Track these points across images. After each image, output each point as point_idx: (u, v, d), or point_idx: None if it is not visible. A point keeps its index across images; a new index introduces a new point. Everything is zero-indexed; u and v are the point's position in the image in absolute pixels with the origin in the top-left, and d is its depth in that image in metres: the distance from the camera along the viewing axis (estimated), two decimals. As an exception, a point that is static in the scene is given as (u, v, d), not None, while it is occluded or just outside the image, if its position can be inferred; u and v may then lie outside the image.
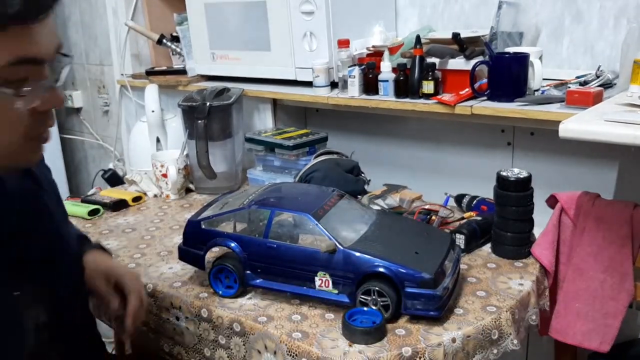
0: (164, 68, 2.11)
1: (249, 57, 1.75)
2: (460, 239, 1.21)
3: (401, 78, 1.46)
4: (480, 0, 1.59)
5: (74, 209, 1.56)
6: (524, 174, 1.18)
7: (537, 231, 1.23)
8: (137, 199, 1.65)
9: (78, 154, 2.73)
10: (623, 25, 1.38)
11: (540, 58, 1.36)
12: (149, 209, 1.61)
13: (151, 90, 1.83)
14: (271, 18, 1.65)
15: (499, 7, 1.46)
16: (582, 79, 1.34)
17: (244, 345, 1.02)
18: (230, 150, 1.69)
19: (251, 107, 1.84)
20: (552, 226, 1.22)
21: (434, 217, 1.31)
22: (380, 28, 1.63)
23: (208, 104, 1.62)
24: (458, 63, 1.43)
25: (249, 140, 1.67)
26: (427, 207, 1.35)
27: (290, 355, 0.95)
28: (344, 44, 1.55)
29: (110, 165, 2.36)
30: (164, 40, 2.05)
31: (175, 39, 2.05)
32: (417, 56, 1.43)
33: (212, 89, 1.69)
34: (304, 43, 1.61)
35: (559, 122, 1.01)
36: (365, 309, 0.97)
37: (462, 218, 1.33)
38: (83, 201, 1.64)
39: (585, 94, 1.20)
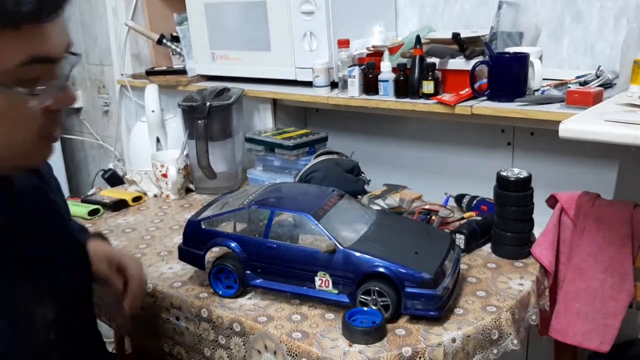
0: (164, 68, 2.11)
1: (249, 57, 1.75)
2: (460, 239, 1.21)
3: (401, 78, 1.46)
4: (480, 0, 1.59)
5: (74, 209, 1.56)
6: (524, 174, 1.18)
7: (537, 231, 1.23)
8: (137, 199, 1.65)
9: (78, 154, 2.73)
10: (623, 25, 1.38)
11: (540, 58, 1.36)
12: (149, 209, 1.61)
13: (151, 90, 1.83)
14: (271, 18, 1.65)
15: (499, 7, 1.46)
16: (582, 79, 1.34)
17: (244, 345, 1.02)
18: (230, 150, 1.69)
19: (251, 107, 1.84)
20: (552, 226, 1.22)
21: (434, 217, 1.31)
22: (380, 28, 1.64)
23: (208, 104, 1.62)
24: (458, 63, 1.43)
25: (249, 140, 1.67)
26: (427, 207, 1.35)
27: (290, 355, 0.95)
28: (344, 44, 1.55)
29: (110, 165, 2.36)
30: (164, 40, 2.05)
31: (175, 39, 2.05)
32: (417, 56, 1.43)
33: (212, 89, 1.69)
34: (304, 43, 1.61)
35: (559, 122, 1.01)
36: (365, 309, 0.97)
37: (462, 218, 1.33)
38: (83, 201, 1.64)
39: (585, 94, 1.20)
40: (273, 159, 1.64)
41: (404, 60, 1.48)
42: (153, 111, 1.82)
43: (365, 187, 1.48)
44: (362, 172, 1.51)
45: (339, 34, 1.57)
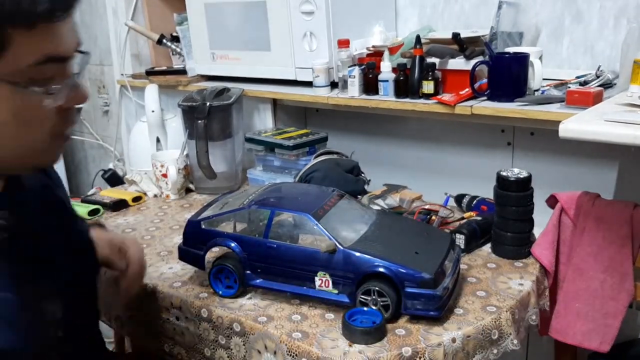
0: (164, 68, 2.11)
1: (249, 57, 1.75)
2: (460, 239, 1.21)
3: (401, 78, 1.46)
4: (480, 0, 1.59)
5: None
6: (524, 174, 1.18)
7: (537, 231, 1.23)
8: (137, 199, 1.65)
9: (78, 154, 2.73)
10: (623, 25, 1.38)
11: (540, 58, 1.36)
12: (149, 209, 1.61)
13: (151, 90, 1.83)
14: (271, 18, 1.65)
15: (499, 7, 1.46)
16: (582, 79, 1.34)
17: (244, 345, 1.02)
18: (230, 150, 1.69)
19: (251, 107, 1.84)
20: (552, 226, 1.22)
21: (434, 217, 1.31)
22: (380, 28, 1.64)
23: (208, 104, 1.62)
24: (458, 63, 1.43)
25: (249, 140, 1.67)
26: (427, 207, 1.35)
27: (290, 355, 0.95)
28: (344, 44, 1.55)
29: (110, 165, 2.36)
30: (164, 40, 2.05)
31: (175, 39, 2.05)
32: (417, 56, 1.43)
33: (212, 89, 1.69)
34: (304, 43, 1.61)
35: (559, 122, 1.01)
36: (365, 309, 0.97)
37: (462, 218, 1.33)
38: (83, 201, 1.64)
39: (585, 94, 1.20)
40: (273, 159, 1.64)
41: (404, 60, 1.48)
42: (153, 111, 1.82)
43: (365, 187, 1.48)
44: (362, 172, 1.51)
45: (339, 34, 1.57)
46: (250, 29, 1.71)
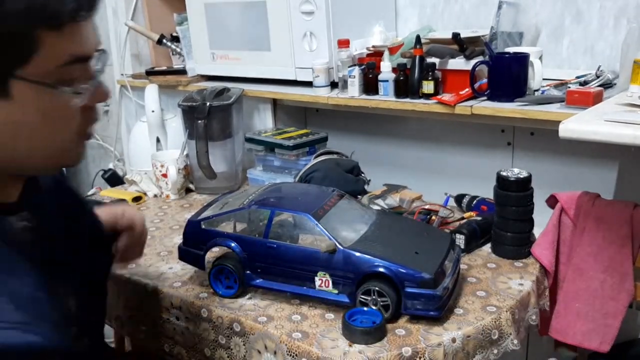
0: (164, 68, 2.11)
1: (249, 57, 1.75)
2: (460, 239, 1.21)
3: (401, 78, 1.46)
4: (480, 0, 1.59)
5: (74, 209, 1.56)
6: (524, 174, 1.18)
7: (537, 231, 1.23)
8: (137, 199, 1.65)
9: (78, 154, 2.72)
10: (623, 25, 1.38)
11: (540, 58, 1.36)
12: (149, 209, 1.61)
13: (151, 90, 1.83)
14: (271, 18, 1.65)
15: (499, 7, 1.46)
16: (582, 79, 1.34)
17: (244, 345, 1.02)
18: (230, 150, 1.69)
19: (251, 107, 1.84)
20: (552, 226, 1.22)
21: (434, 217, 1.31)
22: (380, 28, 1.64)
23: (208, 104, 1.62)
24: (458, 63, 1.43)
25: (249, 140, 1.67)
26: (427, 207, 1.35)
27: (290, 355, 0.95)
28: (344, 44, 1.55)
29: (110, 165, 2.36)
30: (164, 40, 2.05)
31: (175, 39, 2.05)
32: (417, 56, 1.43)
33: (212, 89, 1.69)
34: (304, 43, 1.61)
35: (559, 122, 1.01)
36: (365, 309, 0.97)
37: (462, 218, 1.33)
38: (83, 201, 1.64)
39: (585, 94, 1.20)
40: (273, 159, 1.64)
41: (404, 60, 1.48)
42: (153, 111, 1.82)
43: (365, 187, 1.48)
44: (362, 172, 1.51)
45: (339, 34, 1.57)
46: (250, 29, 1.71)
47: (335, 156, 1.51)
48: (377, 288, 0.97)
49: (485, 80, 1.37)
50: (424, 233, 1.12)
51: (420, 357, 0.92)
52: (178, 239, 1.34)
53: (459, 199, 1.43)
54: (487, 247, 1.25)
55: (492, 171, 1.22)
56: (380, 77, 1.50)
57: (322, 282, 1.02)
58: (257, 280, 1.07)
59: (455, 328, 0.96)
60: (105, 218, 1.02)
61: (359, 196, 1.41)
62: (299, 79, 1.67)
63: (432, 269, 0.97)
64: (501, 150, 1.56)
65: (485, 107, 1.34)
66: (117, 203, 1.21)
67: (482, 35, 1.45)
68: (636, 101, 1.07)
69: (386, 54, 1.50)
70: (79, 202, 0.93)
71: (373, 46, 1.59)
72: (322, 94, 1.60)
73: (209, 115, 1.61)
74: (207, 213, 1.14)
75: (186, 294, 1.12)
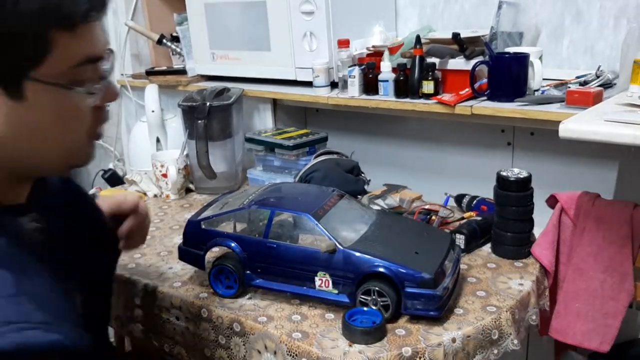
0: (164, 68, 2.11)
1: (249, 57, 1.75)
2: (460, 239, 1.21)
3: (401, 78, 1.46)
4: (480, 0, 1.59)
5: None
6: (524, 174, 1.18)
7: (537, 231, 1.23)
8: (137, 199, 1.65)
9: (78, 154, 2.72)
10: (623, 25, 1.38)
11: (540, 58, 1.36)
12: (149, 209, 1.61)
13: (151, 90, 1.83)
14: (271, 18, 1.65)
15: (499, 7, 1.46)
16: (582, 79, 1.34)
17: (244, 345, 1.02)
18: (230, 150, 1.69)
19: (251, 107, 1.84)
20: (552, 226, 1.22)
21: (434, 217, 1.31)
22: (380, 28, 1.64)
23: (208, 104, 1.62)
24: (458, 63, 1.43)
25: (249, 140, 1.67)
26: (427, 207, 1.35)
27: (290, 355, 0.95)
28: (344, 44, 1.55)
29: (110, 165, 2.36)
30: (164, 40, 2.05)
31: (175, 39, 2.05)
32: (417, 56, 1.43)
33: (212, 89, 1.69)
34: (304, 43, 1.61)
35: (559, 122, 1.01)
36: (365, 309, 0.97)
37: (462, 218, 1.33)
38: (83, 201, 1.64)
39: (585, 94, 1.20)
40: (273, 159, 1.64)
41: (404, 60, 1.48)
42: (153, 111, 1.82)
43: (365, 187, 1.48)
44: (362, 172, 1.51)
45: (339, 34, 1.57)
46: (250, 29, 1.71)
47: (335, 156, 1.51)
48: (377, 288, 0.97)
49: (485, 80, 1.37)
50: (424, 233, 1.12)
51: (420, 357, 0.92)
52: (178, 239, 1.34)
53: (459, 199, 1.43)
54: (487, 247, 1.25)
55: (492, 171, 1.22)
56: (380, 77, 1.50)
57: (322, 282, 1.02)
58: (257, 280, 1.07)
59: (455, 328, 0.96)
60: (108, 206, 1.03)
61: (359, 196, 1.41)
62: (299, 79, 1.67)
63: (432, 269, 0.97)
64: (501, 150, 1.56)
65: (485, 107, 1.34)
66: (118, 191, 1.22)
67: (482, 35, 1.45)
68: (636, 101, 1.07)
69: (386, 54, 1.50)
70: (84, 200, 0.94)
71: (373, 46, 1.59)
72: (322, 94, 1.60)
73: (209, 115, 1.61)
74: (207, 213, 1.14)
75: (186, 294, 1.12)
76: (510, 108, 1.30)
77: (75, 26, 0.64)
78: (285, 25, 1.62)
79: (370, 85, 1.53)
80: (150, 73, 2.07)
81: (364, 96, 1.54)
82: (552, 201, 1.25)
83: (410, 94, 1.45)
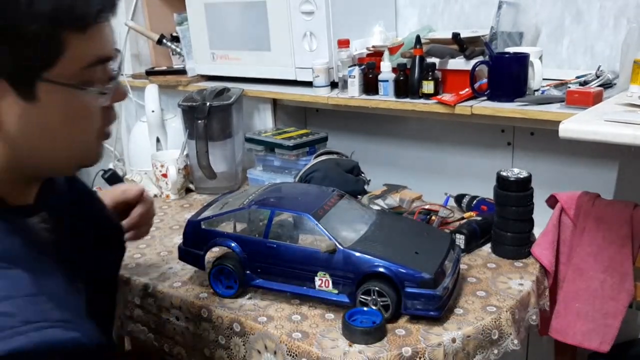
0: (164, 68, 2.11)
1: (249, 57, 1.75)
2: (460, 239, 1.21)
3: (401, 78, 1.46)
4: (480, 0, 1.59)
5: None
6: (524, 174, 1.18)
7: (537, 231, 1.23)
8: (137, 199, 1.65)
9: (78, 154, 2.72)
10: (623, 25, 1.38)
11: (540, 58, 1.36)
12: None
13: (151, 90, 1.83)
14: (271, 18, 1.65)
15: (499, 7, 1.46)
16: (582, 79, 1.34)
17: (243, 345, 1.02)
18: (230, 150, 1.69)
19: (251, 107, 1.84)
20: (552, 226, 1.22)
21: (434, 217, 1.31)
22: (380, 28, 1.64)
23: (208, 104, 1.62)
24: (458, 63, 1.43)
25: (249, 140, 1.67)
26: (427, 207, 1.35)
27: (290, 355, 0.95)
28: (344, 44, 1.55)
29: (110, 165, 2.36)
30: (164, 40, 2.05)
31: (175, 39, 2.05)
32: (417, 56, 1.43)
33: (212, 89, 1.69)
34: (304, 43, 1.61)
35: (559, 122, 1.01)
36: (365, 309, 0.97)
37: (462, 218, 1.33)
38: (83, 201, 1.64)
39: (585, 94, 1.20)
40: (273, 159, 1.64)
41: (404, 60, 1.48)
42: (153, 111, 1.82)
43: (365, 187, 1.48)
44: (362, 172, 1.51)
45: (339, 34, 1.57)
46: (250, 29, 1.71)
47: (335, 156, 1.51)
48: (377, 288, 0.97)
49: (485, 80, 1.37)
50: (424, 233, 1.12)
51: (420, 357, 0.92)
52: (178, 239, 1.34)
53: (459, 199, 1.43)
54: (487, 247, 1.25)
55: (492, 171, 1.22)
56: (380, 77, 1.50)
57: (322, 282, 1.02)
58: (257, 280, 1.07)
59: (455, 328, 0.96)
60: (112, 198, 1.04)
61: (359, 196, 1.41)
62: (299, 79, 1.67)
63: (432, 269, 0.97)
64: (501, 150, 1.56)
65: (485, 107, 1.34)
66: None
67: (482, 35, 1.45)
68: (636, 101, 1.07)
69: (386, 54, 1.50)
70: (89, 198, 0.94)
71: (373, 46, 1.59)
72: (322, 94, 1.60)
73: (209, 115, 1.61)
74: (207, 213, 1.14)
75: (186, 294, 1.12)
76: (510, 108, 1.30)
77: (87, 27, 0.65)
78: (285, 25, 1.62)
79: (370, 85, 1.53)
80: (150, 73, 2.07)
81: (364, 96, 1.54)
82: (552, 201, 1.25)
83: (410, 94, 1.45)
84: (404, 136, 1.74)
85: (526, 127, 1.46)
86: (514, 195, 1.17)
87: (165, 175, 1.64)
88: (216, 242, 1.10)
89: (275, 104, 1.81)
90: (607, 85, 1.31)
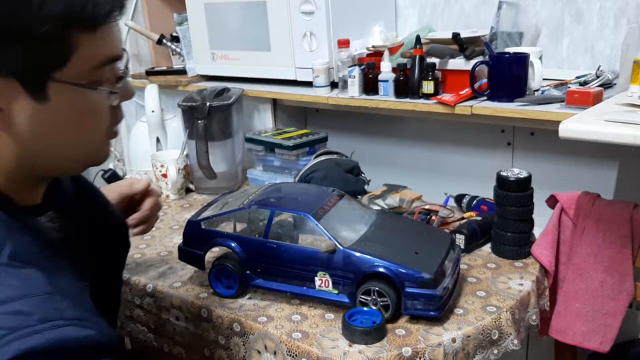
0: (164, 68, 2.11)
1: (249, 57, 1.75)
2: (460, 239, 1.21)
3: (401, 78, 1.46)
4: (480, 0, 1.59)
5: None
6: (524, 174, 1.18)
7: (537, 231, 1.23)
8: (137, 199, 1.65)
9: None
10: (623, 25, 1.38)
11: (540, 58, 1.36)
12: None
13: (151, 90, 1.83)
14: (271, 18, 1.65)
15: (499, 7, 1.46)
16: (582, 79, 1.34)
17: (243, 345, 1.02)
18: (230, 150, 1.69)
19: (251, 107, 1.84)
20: (552, 226, 1.22)
21: (434, 217, 1.31)
22: (380, 28, 1.64)
23: (208, 104, 1.62)
24: (458, 63, 1.43)
25: (249, 140, 1.67)
26: (427, 207, 1.35)
27: (290, 355, 0.95)
28: (344, 44, 1.55)
29: (110, 165, 2.36)
30: (164, 40, 2.05)
31: (175, 39, 2.05)
32: (417, 56, 1.43)
33: (212, 89, 1.69)
34: (304, 43, 1.61)
35: (559, 122, 1.01)
36: (365, 309, 0.97)
37: (462, 218, 1.33)
38: (83, 201, 1.64)
39: (585, 94, 1.20)
40: (273, 159, 1.64)
41: (404, 60, 1.48)
42: (153, 111, 1.82)
43: (365, 187, 1.48)
44: (362, 172, 1.51)
45: (339, 34, 1.57)
46: (250, 29, 1.71)
47: (335, 156, 1.51)
48: (377, 288, 0.97)
49: (485, 80, 1.37)
50: (424, 233, 1.12)
51: (420, 357, 0.92)
52: (178, 239, 1.34)
53: (459, 199, 1.43)
54: (487, 247, 1.25)
55: (492, 171, 1.22)
56: (380, 77, 1.50)
57: (322, 282, 1.02)
58: (257, 280, 1.07)
59: (455, 328, 0.96)
60: (118, 192, 1.04)
61: (359, 196, 1.41)
62: (299, 79, 1.67)
63: (432, 269, 0.97)
64: (501, 150, 1.56)
65: (485, 107, 1.34)
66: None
67: (482, 35, 1.45)
68: (636, 101, 1.07)
69: (386, 54, 1.50)
70: (94, 196, 0.94)
71: (373, 46, 1.59)
72: (322, 94, 1.60)
73: (209, 115, 1.61)
74: (207, 213, 1.14)
75: (186, 294, 1.12)
76: (510, 108, 1.30)
77: (97, 27, 0.65)
78: (285, 25, 1.62)
79: (370, 85, 1.53)
80: (150, 73, 2.07)
81: (364, 96, 1.54)
82: (552, 201, 1.25)
83: (410, 94, 1.45)
84: (403, 136, 1.74)
85: (526, 127, 1.46)
86: (514, 195, 1.17)
87: (165, 175, 1.64)
88: (216, 242, 1.10)
89: (275, 104, 1.81)
90: (607, 85, 1.31)
